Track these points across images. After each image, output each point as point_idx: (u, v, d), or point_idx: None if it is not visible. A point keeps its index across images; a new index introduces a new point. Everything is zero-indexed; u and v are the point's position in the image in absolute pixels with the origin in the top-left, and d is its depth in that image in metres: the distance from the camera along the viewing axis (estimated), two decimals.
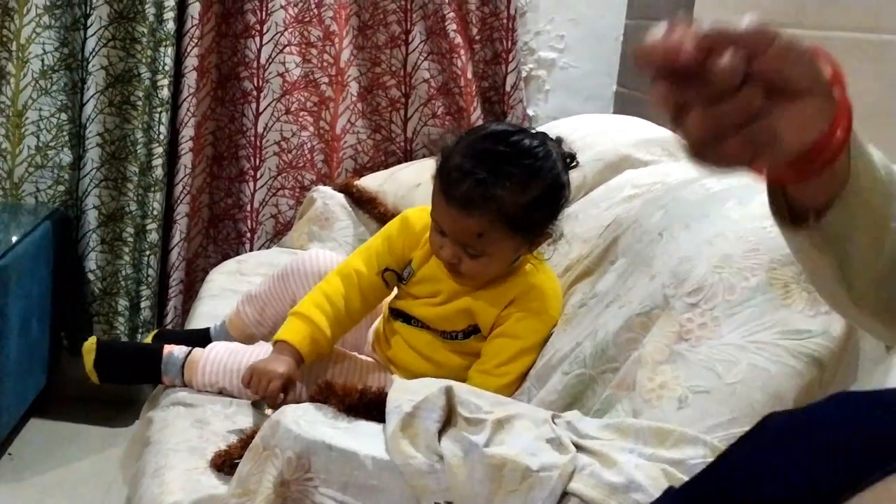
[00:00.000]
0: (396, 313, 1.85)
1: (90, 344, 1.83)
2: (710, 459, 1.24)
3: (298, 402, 1.47)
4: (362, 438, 1.33)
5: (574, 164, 1.75)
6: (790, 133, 0.76)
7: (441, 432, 1.31)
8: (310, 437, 1.30)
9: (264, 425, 1.36)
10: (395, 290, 1.88)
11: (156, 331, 2.08)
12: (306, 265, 1.96)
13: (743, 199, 1.59)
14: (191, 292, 2.83)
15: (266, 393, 1.65)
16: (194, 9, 2.70)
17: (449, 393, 1.34)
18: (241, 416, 1.72)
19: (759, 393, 1.33)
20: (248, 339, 1.95)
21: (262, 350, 1.79)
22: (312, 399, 1.41)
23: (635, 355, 1.47)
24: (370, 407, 1.38)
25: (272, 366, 1.65)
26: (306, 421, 1.33)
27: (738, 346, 1.37)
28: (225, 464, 1.50)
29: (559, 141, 1.74)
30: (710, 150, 0.74)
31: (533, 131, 1.73)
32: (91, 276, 2.80)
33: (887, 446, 0.70)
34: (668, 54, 0.72)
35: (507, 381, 1.71)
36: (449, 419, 1.33)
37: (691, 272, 1.49)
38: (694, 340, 1.41)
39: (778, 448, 0.77)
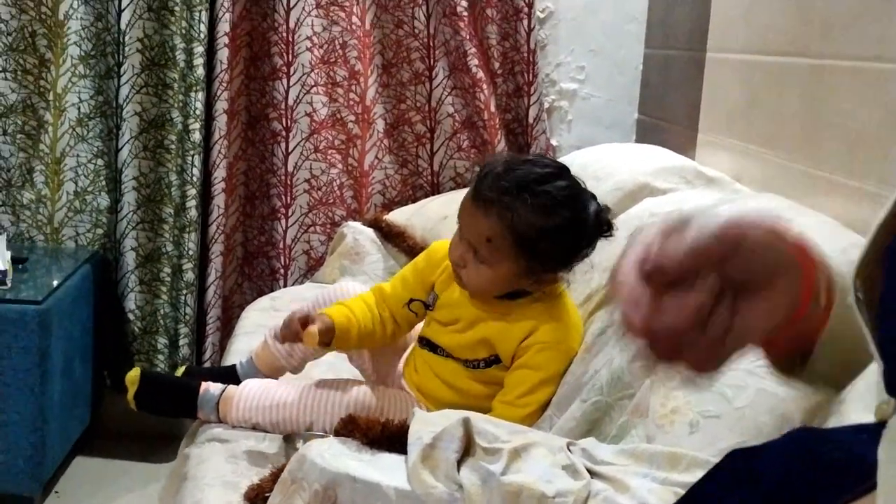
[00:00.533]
0: (424, 342, 1.91)
1: (134, 374, 1.91)
2: None
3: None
4: (385, 470, 1.38)
5: (609, 232, 1.80)
6: (759, 321, 0.79)
7: (460, 462, 1.37)
8: (335, 469, 1.36)
9: (292, 459, 1.42)
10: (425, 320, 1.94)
11: (184, 367, 2.15)
12: (337, 296, 2.02)
13: None
14: (228, 328, 2.90)
15: (290, 330, 1.78)
16: (223, 54, 2.79)
17: (467, 424, 1.39)
18: (273, 451, 1.78)
19: (767, 416, 1.37)
20: (276, 373, 2.00)
21: (295, 387, 1.85)
22: (337, 433, 1.47)
23: (648, 382, 1.52)
24: (392, 439, 1.44)
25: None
26: (331, 454, 1.39)
27: (747, 371, 1.42)
28: (258, 497, 1.56)
29: (605, 208, 1.80)
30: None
31: (582, 185, 1.79)
32: (131, 316, 2.88)
33: (836, 477, 0.76)
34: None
35: (529, 412, 1.76)
36: (468, 449, 1.39)
37: None
38: None
39: (739, 485, 0.83)
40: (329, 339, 1.82)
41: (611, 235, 1.82)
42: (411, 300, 1.92)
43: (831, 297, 0.86)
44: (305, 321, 1.78)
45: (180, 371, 2.12)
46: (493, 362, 1.82)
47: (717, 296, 0.76)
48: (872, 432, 0.82)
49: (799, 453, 0.83)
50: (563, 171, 1.79)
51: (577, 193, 1.76)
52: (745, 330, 0.78)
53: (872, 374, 0.99)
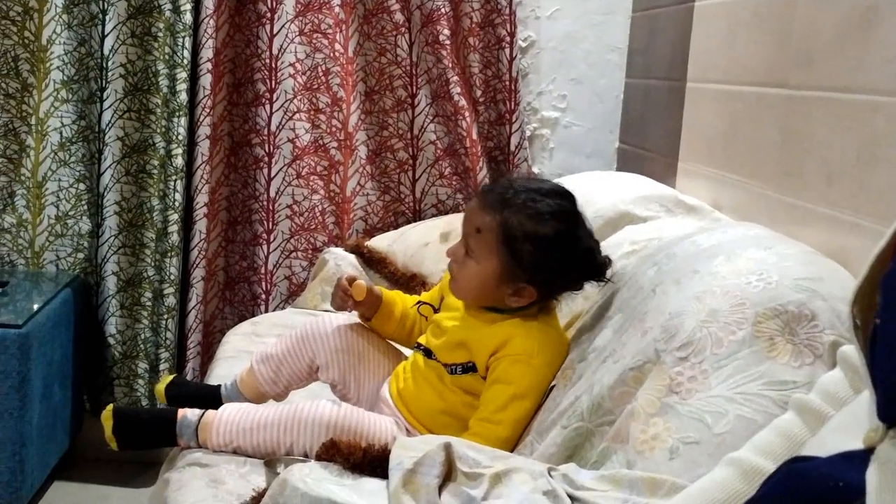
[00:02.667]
0: (419, 346, 1.94)
1: (107, 412, 1.90)
2: None
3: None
4: (366, 495, 1.38)
5: (601, 279, 1.86)
6: None
7: (441, 487, 1.37)
8: (316, 494, 1.36)
9: (273, 484, 1.42)
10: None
11: (171, 376, 2.15)
12: (326, 326, 2.02)
13: (730, 254, 1.65)
14: (209, 353, 2.90)
15: (338, 288, 1.96)
16: (206, 80, 2.81)
17: (448, 449, 1.40)
18: (254, 475, 1.78)
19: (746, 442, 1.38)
20: (260, 399, 2.01)
21: (273, 407, 1.85)
22: (318, 457, 1.47)
23: (629, 408, 1.53)
24: (374, 464, 1.44)
25: None
26: (313, 479, 1.40)
27: (727, 398, 1.43)
28: None
29: (606, 258, 1.87)
30: None
31: (583, 217, 1.85)
32: (111, 341, 2.88)
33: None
34: None
35: (505, 428, 1.75)
36: (449, 474, 1.39)
37: (681, 327, 1.55)
38: (684, 393, 1.47)
39: None
40: (375, 306, 1.99)
41: (602, 282, 1.87)
42: (420, 303, 2.04)
43: None
44: (352, 279, 1.96)
45: (167, 380, 2.12)
46: (469, 369, 1.83)
47: None
48: (859, 459, 0.84)
49: (786, 494, 0.85)
50: (569, 195, 1.86)
51: (572, 216, 1.82)
52: None
53: (856, 402, 1.00)
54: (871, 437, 0.85)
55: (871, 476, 0.79)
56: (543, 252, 1.77)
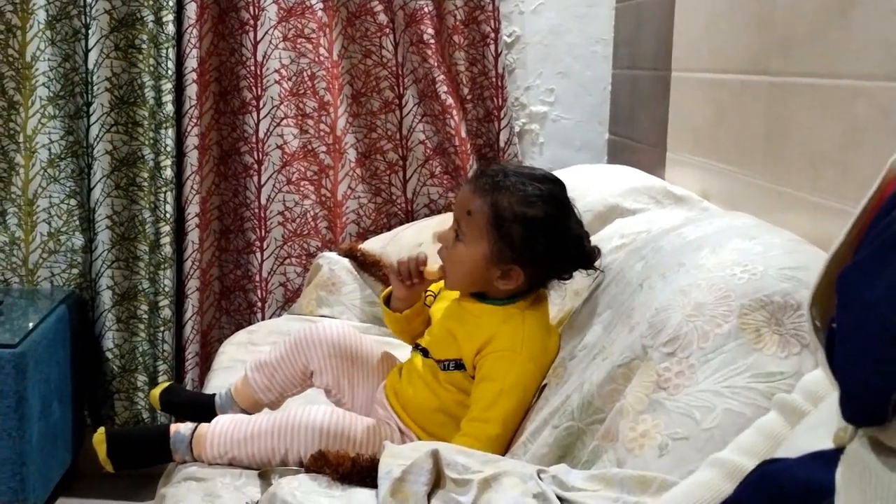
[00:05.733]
0: (417, 347, 1.95)
1: (100, 435, 1.90)
2: None
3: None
4: None
5: (590, 267, 1.88)
6: None
7: (430, 494, 1.37)
8: None
9: (262, 498, 1.42)
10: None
11: (167, 383, 2.16)
12: (320, 333, 2.02)
13: (716, 247, 1.65)
14: (207, 364, 2.90)
15: (409, 267, 1.93)
16: (192, 90, 2.80)
17: (436, 456, 1.39)
18: (249, 487, 1.77)
19: (735, 436, 1.37)
20: (255, 407, 2.01)
21: (265, 416, 1.85)
22: (307, 469, 1.46)
23: (618, 406, 1.52)
24: (363, 474, 1.44)
25: None
26: (302, 492, 1.40)
27: (714, 392, 1.42)
28: None
29: (595, 248, 1.89)
30: None
31: (572, 205, 1.87)
32: (109, 355, 2.88)
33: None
34: None
35: (495, 426, 1.75)
36: (438, 481, 1.39)
37: (667, 322, 1.54)
38: (672, 389, 1.46)
39: None
40: (418, 298, 1.99)
41: (592, 269, 1.88)
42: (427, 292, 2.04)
43: None
44: (425, 262, 1.94)
45: (162, 386, 2.12)
46: (459, 366, 1.84)
47: None
48: (829, 458, 0.83)
49: (758, 495, 0.85)
50: (558, 182, 1.88)
51: (562, 202, 1.84)
52: None
53: (829, 401, 1.00)
54: (841, 437, 0.84)
55: (840, 476, 0.79)
56: (532, 234, 1.79)
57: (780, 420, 1.14)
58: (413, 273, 1.93)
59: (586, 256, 1.86)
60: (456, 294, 1.92)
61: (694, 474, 1.17)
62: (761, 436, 1.14)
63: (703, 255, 1.64)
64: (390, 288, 2.02)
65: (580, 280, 1.99)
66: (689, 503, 1.09)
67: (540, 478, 1.40)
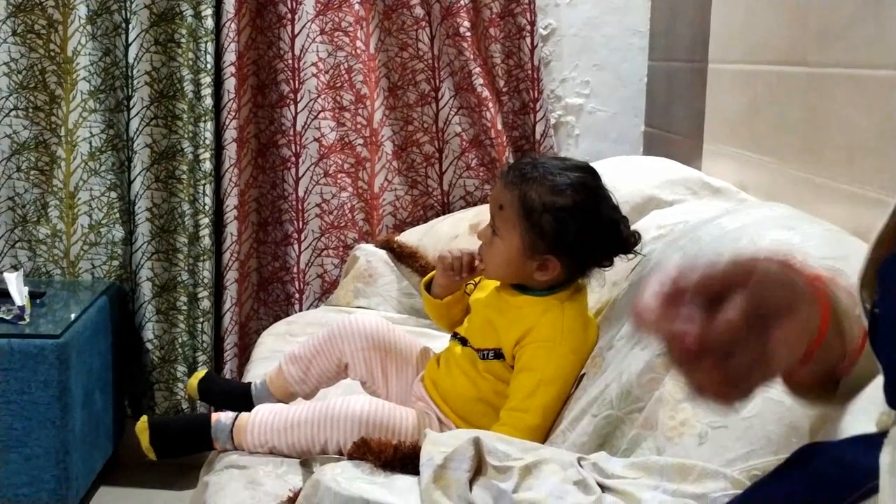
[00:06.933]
0: (455, 335, 1.96)
1: (142, 424, 1.93)
2: (731, 492, 1.32)
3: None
4: (398, 492, 1.40)
5: (629, 251, 1.88)
6: (782, 351, 0.80)
7: (472, 481, 1.38)
8: (348, 493, 1.38)
9: (306, 484, 1.44)
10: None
11: (204, 371, 2.19)
12: (354, 326, 2.04)
13: (754, 237, 1.65)
14: (245, 354, 2.93)
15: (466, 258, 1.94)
16: (230, 83, 2.83)
17: (477, 443, 1.41)
18: (291, 475, 1.80)
19: (775, 425, 1.38)
20: (289, 398, 2.03)
21: (305, 406, 1.88)
22: (350, 456, 1.48)
23: (657, 395, 1.53)
24: (405, 461, 1.46)
25: None
26: (345, 478, 1.41)
27: None
28: None
29: (635, 233, 1.89)
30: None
31: (607, 190, 1.87)
32: (149, 346, 2.91)
33: (830, 490, 0.79)
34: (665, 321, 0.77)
35: (534, 416, 1.77)
36: (479, 468, 1.40)
37: None
38: None
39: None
40: (460, 287, 2.01)
41: (630, 254, 1.88)
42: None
43: (852, 329, 0.87)
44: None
45: (201, 373, 2.15)
46: (498, 355, 1.85)
47: (744, 324, 0.76)
48: (872, 442, 0.84)
49: (797, 476, 0.86)
50: (589, 170, 1.88)
51: (592, 189, 1.84)
52: (769, 359, 0.79)
53: (872, 385, 1.01)
54: (884, 421, 0.85)
55: (884, 458, 0.80)
56: (563, 222, 1.80)
57: None
58: (465, 268, 1.94)
59: (623, 241, 1.86)
60: (495, 283, 1.93)
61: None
62: None
63: (742, 245, 1.65)
64: (432, 273, 2.03)
65: (618, 270, 2.00)
66: None
67: (580, 465, 1.41)
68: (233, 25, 2.82)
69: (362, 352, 2.00)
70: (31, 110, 2.86)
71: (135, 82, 2.83)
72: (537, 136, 3.00)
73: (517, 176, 1.83)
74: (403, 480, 1.43)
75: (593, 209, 1.83)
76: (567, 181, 1.81)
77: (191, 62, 2.81)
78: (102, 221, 2.92)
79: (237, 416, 1.88)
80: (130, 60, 2.82)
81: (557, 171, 1.82)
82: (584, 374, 1.81)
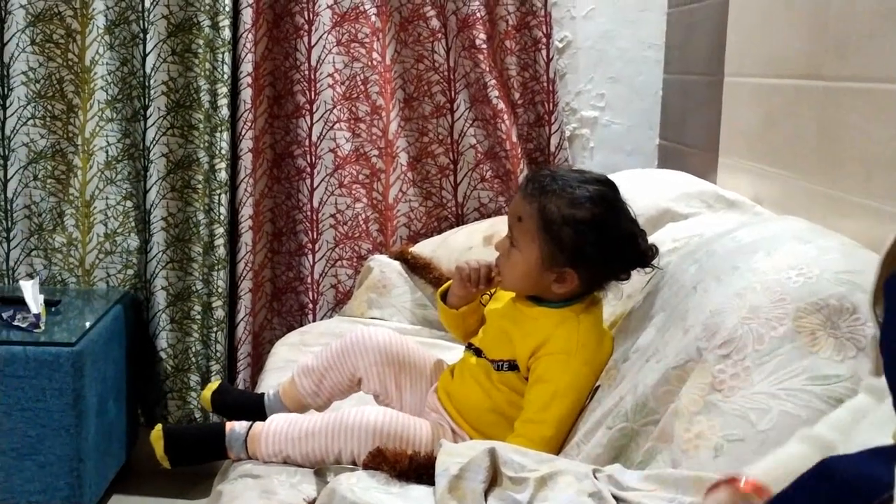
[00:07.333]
0: (469, 346, 1.97)
1: (157, 432, 1.93)
2: None
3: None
4: (413, 502, 1.40)
5: (647, 265, 1.88)
6: None
7: (487, 492, 1.38)
8: (363, 502, 1.38)
9: (322, 493, 1.44)
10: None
11: (217, 383, 2.18)
12: (367, 340, 2.03)
13: (770, 250, 1.65)
14: (259, 364, 2.93)
15: (484, 270, 1.94)
16: (247, 94, 2.84)
17: (493, 454, 1.41)
18: (305, 485, 1.80)
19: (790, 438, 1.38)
20: (301, 410, 2.02)
21: (320, 415, 1.88)
22: (366, 466, 1.49)
23: (672, 407, 1.53)
24: (420, 471, 1.46)
25: None
26: (360, 488, 1.42)
27: (770, 394, 1.43)
28: None
29: (643, 237, 1.89)
30: None
31: (625, 204, 1.88)
32: (163, 355, 2.92)
33: (848, 497, 0.79)
34: None
35: (548, 428, 1.77)
36: (494, 479, 1.41)
37: (722, 325, 1.55)
38: (727, 391, 1.47)
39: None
40: (475, 297, 2.02)
41: (648, 268, 1.89)
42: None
43: None
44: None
45: (215, 384, 2.15)
46: (513, 367, 1.86)
47: None
48: (888, 454, 0.84)
49: (816, 488, 0.86)
50: (608, 183, 1.89)
51: (611, 202, 1.85)
52: None
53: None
54: None
55: None
56: (581, 235, 1.80)
57: (868, 399, 1.12)
58: (483, 279, 1.95)
59: (641, 255, 1.87)
60: (511, 295, 1.93)
61: (784, 447, 1.16)
62: (848, 411, 1.12)
63: (758, 258, 1.65)
64: (448, 283, 2.04)
65: (633, 283, 2.00)
66: (779, 473, 1.08)
67: (595, 477, 1.41)
68: (250, 36, 2.84)
69: (376, 367, 2.00)
70: (48, 119, 2.88)
71: (152, 92, 2.84)
72: (552, 149, 3.01)
73: (536, 188, 1.84)
74: (419, 490, 1.44)
75: (612, 222, 1.83)
76: (586, 194, 1.81)
77: (208, 72, 2.83)
78: (118, 230, 2.93)
79: (251, 425, 1.89)
80: (148, 70, 2.83)
81: (577, 184, 1.83)
82: (598, 386, 1.81)
